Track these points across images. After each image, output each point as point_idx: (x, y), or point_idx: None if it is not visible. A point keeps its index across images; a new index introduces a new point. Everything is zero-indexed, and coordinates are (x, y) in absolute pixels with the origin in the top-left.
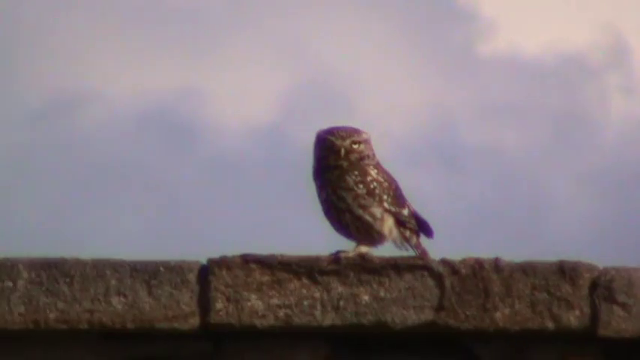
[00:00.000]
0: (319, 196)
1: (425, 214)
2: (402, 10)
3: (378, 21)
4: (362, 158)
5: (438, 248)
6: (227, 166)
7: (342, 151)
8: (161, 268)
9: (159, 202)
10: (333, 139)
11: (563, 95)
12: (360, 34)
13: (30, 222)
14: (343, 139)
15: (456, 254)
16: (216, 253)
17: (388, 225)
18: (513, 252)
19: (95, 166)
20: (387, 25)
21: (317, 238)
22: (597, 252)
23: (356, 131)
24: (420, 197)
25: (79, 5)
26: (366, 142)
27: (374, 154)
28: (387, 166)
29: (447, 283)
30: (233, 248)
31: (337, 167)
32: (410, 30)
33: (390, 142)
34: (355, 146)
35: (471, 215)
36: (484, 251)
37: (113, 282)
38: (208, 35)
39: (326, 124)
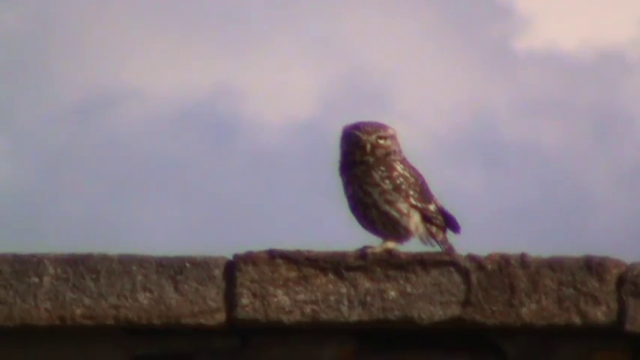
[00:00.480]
0: (345, 191)
1: (464, 211)
2: (438, 7)
3: (413, 18)
4: (388, 154)
5: (476, 244)
6: (267, 163)
7: (368, 146)
8: (187, 264)
9: (198, 199)
10: (359, 134)
11: (601, 91)
12: (396, 31)
13: (70, 219)
14: (369, 134)
15: (492, 250)
16: (247, 249)
17: (415, 221)
18: (552, 249)
19: (135, 163)
20: (422, 21)
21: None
22: (637, 250)
23: (382, 126)
24: (459, 194)
25: (118, 2)
26: (392, 137)
27: (400, 150)
28: (425, 163)
29: (474, 278)
30: (266, 244)
31: (363, 163)
32: (446, 26)
33: (429, 138)
34: (381, 141)
35: (510, 213)
36: (523, 248)
37: (139, 277)
38: (247, 32)
39: (365, 119)
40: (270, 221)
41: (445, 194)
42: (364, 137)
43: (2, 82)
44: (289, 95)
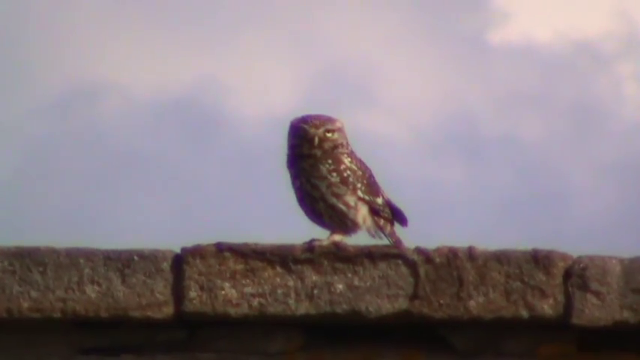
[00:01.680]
0: (293, 184)
1: (446, 204)
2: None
3: (391, 10)
4: (336, 147)
5: (457, 237)
6: (247, 157)
7: (316, 139)
8: (135, 257)
9: (179, 192)
10: (306, 127)
11: (576, 84)
12: (376, 23)
13: (49, 211)
14: (317, 127)
15: (480, 243)
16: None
17: (362, 213)
18: (532, 242)
19: (114, 156)
20: (400, 14)
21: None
22: (616, 242)
23: (330, 120)
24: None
25: None
26: (340, 130)
27: (348, 143)
28: (409, 155)
29: (422, 271)
30: (234, 237)
31: (311, 156)
32: (422, 19)
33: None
34: (329, 135)
35: (490, 205)
36: (504, 241)
37: (87, 270)
38: (228, 26)
39: (346, 113)
40: (247, 214)
41: (427, 186)
42: (312, 130)
43: None
44: (270, 88)
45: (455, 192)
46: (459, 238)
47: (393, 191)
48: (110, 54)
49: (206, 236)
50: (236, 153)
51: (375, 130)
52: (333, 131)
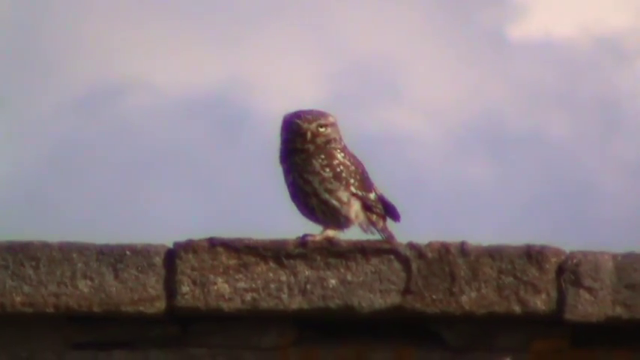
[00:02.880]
0: (286, 179)
1: (472, 201)
2: None
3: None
4: (328, 142)
5: (483, 234)
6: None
7: (309, 134)
8: (127, 252)
9: (205, 189)
10: (299, 122)
11: (600, 81)
12: (395, 18)
13: (78, 210)
14: (309, 122)
15: (505, 240)
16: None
17: (355, 209)
18: (559, 240)
19: (142, 153)
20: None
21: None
22: None
23: (322, 114)
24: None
25: None
26: (333, 125)
27: (341, 138)
28: (435, 152)
29: (414, 266)
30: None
31: (303, 151)
32: (441, 13)
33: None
34: (322, 129)
35: (517, 203)
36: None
37: (79, 265)
38: (252, 22)
39: (371, 108)
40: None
41: (452, 183)
42: (305, 125)
43: (4, 73)
44: (297, 86)
45: (481, 189)
46: (483, 236)
47: (418, 187)
48: (137, 52)
49: (228, 228)
50: (263, 149)
51: (401, 125)
52: (325, 126)
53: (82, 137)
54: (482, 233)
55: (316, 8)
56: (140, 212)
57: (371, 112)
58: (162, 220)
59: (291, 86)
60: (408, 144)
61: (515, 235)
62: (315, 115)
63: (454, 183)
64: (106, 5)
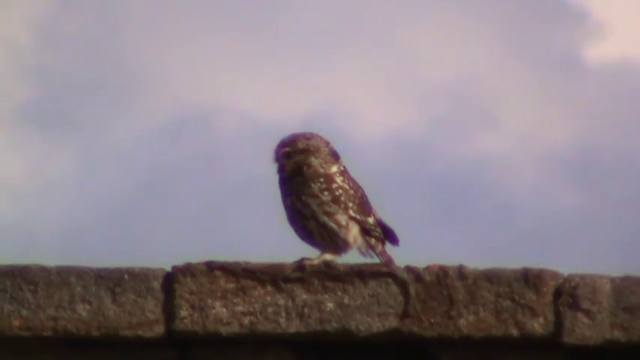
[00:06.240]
0: (284, 202)
1: (564, 231)
2: (510, 7)
3: (485, 24)
4: (299, 167)
5: (573, 266)
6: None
7: (278, 164)
8: (125, 276)
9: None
10: (274, 150)
11: None
12: (471, 40)
13: (165, 235)
14: (279, 147)
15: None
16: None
17: (353, 233)
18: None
19: (230, 179)
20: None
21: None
22: None
23: (292, 140)
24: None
25: (205, 19)
26: (305, 151)
27: (328, 160)
28: (526, 179)
29: (412, 290)
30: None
31: (300, 174)
32: (512, 29)
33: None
34: (288, 158)
35: (606, 232)
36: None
37: (78, 289)
38: (343, 50)
39: (465, 132)
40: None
41: (544, 213)
42: (275, 154)
43: (91, 98)
44: (390, 112)
45: (572, 219)
46: (574, 267)
47: (508, 216)
48: (221, 77)
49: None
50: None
51: (494, 151)
52: (294, 153)
53: (169, 163)
54: (573, 264)
55: (393, 33)
56: (231, 237)
57: (462, 135)
58: (258, 244)
59: (384, 112)
60: (494, 168)
61: (608, 267)
62: (286, 141)
63: (545, 212)
64: (192, 31)
